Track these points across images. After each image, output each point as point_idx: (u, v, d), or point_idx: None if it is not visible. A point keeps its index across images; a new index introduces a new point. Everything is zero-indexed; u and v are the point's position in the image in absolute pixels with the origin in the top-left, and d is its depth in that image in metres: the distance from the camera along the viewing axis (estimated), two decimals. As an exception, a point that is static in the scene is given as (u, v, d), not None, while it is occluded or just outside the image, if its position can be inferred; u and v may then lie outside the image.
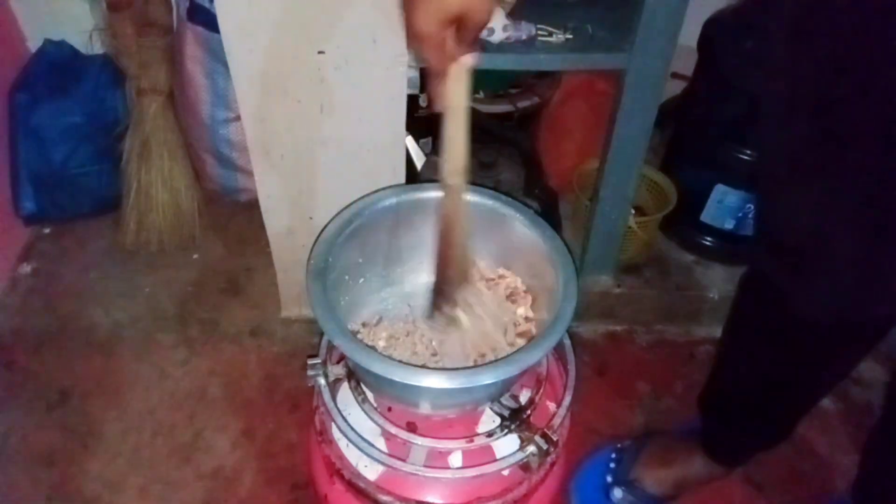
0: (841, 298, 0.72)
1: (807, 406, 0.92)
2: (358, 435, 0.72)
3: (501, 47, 0.99)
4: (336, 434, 0.77)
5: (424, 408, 0.74)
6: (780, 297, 0.76)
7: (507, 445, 0.74)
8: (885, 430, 0.86)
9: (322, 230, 0.76)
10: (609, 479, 1.06)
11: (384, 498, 0.74)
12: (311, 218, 1.14)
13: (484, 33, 0.99)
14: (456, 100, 0.63)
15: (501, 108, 1.51)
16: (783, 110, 0.68)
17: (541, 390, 0.77)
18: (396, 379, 0.62)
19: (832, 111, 0.62)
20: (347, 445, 0.75)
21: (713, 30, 1.27)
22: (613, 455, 1.08)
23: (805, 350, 0.81)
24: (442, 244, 0.72)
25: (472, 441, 0.72)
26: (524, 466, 0.73)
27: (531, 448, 0.71)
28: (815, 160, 0.66)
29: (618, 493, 1.03)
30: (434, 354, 0.78)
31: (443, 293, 0.75)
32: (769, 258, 0.78)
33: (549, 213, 1.41)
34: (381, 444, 0.74)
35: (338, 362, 0.81)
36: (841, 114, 0.62)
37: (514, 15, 1.02)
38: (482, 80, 1.53)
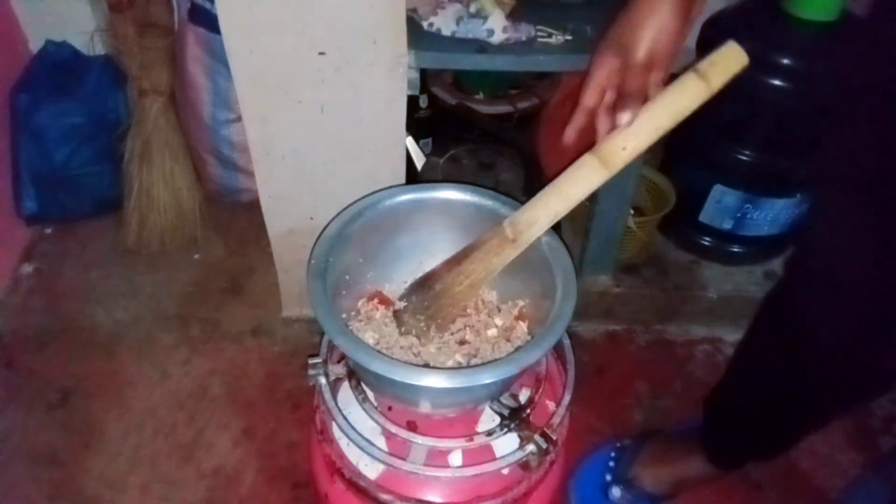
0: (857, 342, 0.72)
1: (814, 428, 0.92)
2: (358, 434, 0.73)
3: (501, 48, 0.99)
4: (337, 433, 0.77)
5: (424, 407, 0.74)
6: (802, 323, 0.77)
7: (507, 444, 0.74)
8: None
9: (323, 230, 0.76)
10: (608, 477, 1.06)
11: (384, 497, 0.74)
12: (311, 218, 1.15)
13: (484, 34, 0.99)
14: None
15: (501, 108, 1.52)
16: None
17: (540, 389, 0.77)
18: (397, 378, 0.62)
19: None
20: (348, 444, 0.75)
21: (713, 30, 1.27)
22: (613, 454, 1.09)
23: (819, 379, 0.80)
24: (456, 261, 0.74)
25: (471, 440, 0.73)
26: (524, 465, 0.73)
27: (531, 447, 0.71)
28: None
29: (616, 491, 1.04)
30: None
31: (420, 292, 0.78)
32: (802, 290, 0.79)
33: (548, 213, 1.41)
34: (381, 442, 0.74)
35: (338, 362, 0.82)
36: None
37: (513, 16, 1.02)
38: (482, 82, 1.53)
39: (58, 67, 1.40)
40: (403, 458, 0.72)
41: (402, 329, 0.78)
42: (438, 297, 0.76)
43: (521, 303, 0.82)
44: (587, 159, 0.68)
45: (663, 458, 1.04)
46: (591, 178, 0.68)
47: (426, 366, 0.74)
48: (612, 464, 1.08)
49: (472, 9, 1.02)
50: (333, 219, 0.78)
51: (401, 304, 0.80)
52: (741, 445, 0.98)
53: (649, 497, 1.04)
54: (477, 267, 0.73)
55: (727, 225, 1.32)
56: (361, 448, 0.72)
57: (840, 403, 0.86)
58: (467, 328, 0.80)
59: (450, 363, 0.75)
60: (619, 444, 1.10)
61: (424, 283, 0.78)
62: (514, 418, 0.73)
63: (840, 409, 0.89)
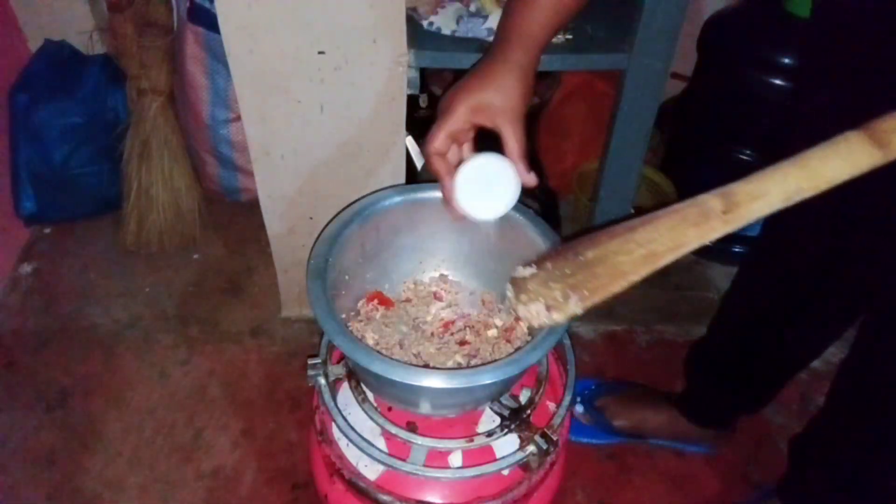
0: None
1: (793, 365, 0.99)
2: (358, 435, 0.72)
3: (501, 47, 0.99)
4: (336, 434, 0.77)
5: (424, 408, 0.74)
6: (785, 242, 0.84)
7: (507, 445, 0.74)
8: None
9: (322, 230, 0.76)
10: (577, 398, 1.17)
11: (384, 498, 0.74)
12: (311, 218, 1.14)
13: (484, 33, 0.99)
14: None
15: (501, 108, 1.51)
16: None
17: (541, 390, 0.77)
18: (396, 379, 0.62)
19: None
20: (348, 445, 0.75)
21: (714, 29, 1.27)
22: (592, 386, 1.21)
23: (798, 299, 0.87)
24: (627, 228, 0.60)
25: (472, 441, 0.72)
26: (524, 466, 0.73)
27: (531, 448, 0.71)
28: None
29: (579, 408, 1.17)
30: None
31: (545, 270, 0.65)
32: None
33: (549, 213, 1.41)
34: (381, 443, 0.74)
35: (338, 362, 0.81)
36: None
37: (514, 15, 1.02)
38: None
39: (57, 67, 1.40)
40: (403, 460, 0.71)
41: (523, 297, 0.65)
42: (590, 265, 0.62)
43: (521, 303, 0.81)
44: (853, 135, 0.52)
45: (632, 400, 1.15)
46: (855, 158, 0.52)
47: (426, 366, 0.74)
48: (586, 391, 1.19)
49: (473, 8, 1.02)
50: (333, 219, 0.77)
51: (525, 271, 0.66)
52: (728, 396, 1.04)
53: (608, 426, 1.14)
54: (661, 236, 0.59)
55: (728, 225, 1.32)
56: (361, 449, 0.71)
57: (811, 330, 0.91)
58: (467, 328, 0.80)
59: (450, 364, 0.75)
60: (599, 381, 1.22)
61: (566, 250, 0.65)
62: (515, 419, 0.73)
63: (811, 338, 0.93)
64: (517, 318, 0.80)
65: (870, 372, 0.79)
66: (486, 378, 0.63)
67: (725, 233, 0.57)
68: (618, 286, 0.61)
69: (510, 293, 0.66)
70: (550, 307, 0.63)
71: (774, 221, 0.91)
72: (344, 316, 0.79)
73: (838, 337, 0.92)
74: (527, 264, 0.67)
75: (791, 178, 0.55)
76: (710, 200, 0.58)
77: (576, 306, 0.62)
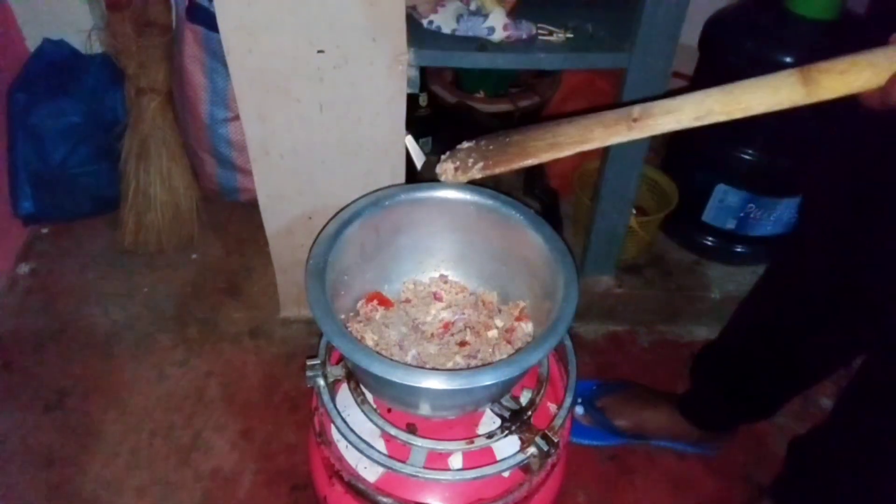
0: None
1: (805, 375, 0.96)
2: (357, 436, 0.72)
3: (502, 46, 0.99)
4: (335, 435, 0.77)
5: (424, 409, 0.73)
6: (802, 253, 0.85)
7: (508, 447, 0.73)
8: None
9: (321, 230, 0.76)
10: (578, 400, 1.15)
11: (384, 500, 0.73)
12: (310, 218, 1.14)
13: (484, 32, 0.99)
14: None
15: (502, 107, 1.51)
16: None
17: (541, 391, 0.76)
18: (396, 380, 0.62)
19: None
20: (347, 447, 0.74)
21: (715, 29, 1.27)
22: (594, 387, 1.19)
23: (810, 310, 0.85)
24: (554, 122, 0.68)
25: (472, 442, 0.72)
26: (525, 468, 0.72)
27: (532, 449, 0.70)
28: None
29: (580, 409, 1.16)
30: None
31: None
32: None
33: (549, 213, 1.40)
34: (380, 445, 0.74)
35: (337, 363, 0.81)
36: None
37: (514, 14, 1.01)
38: (482, 80, 1.53)
39: (55, 66, 1.40)
40: (403, 461, 0.71)
41: (447, 157, 0.77)
42: (508, 145, 0.71)
43: (521, 303, 0.81)
44: (787, 72, 0.54)
45: (633, 401, 1.15)
46: (779, 92, 0.53)
47: (426, 367, 0.73)
48: (587, 392, 1.18)
49: (473, 6, 1.02)
50: (332, 218, 0.77)
51: (464, 144, 0.78)
52: (733, 404, 1.04)
53: (609, 427, 1.13)
54: (572, 130, 0.65)
55: (730, 225, 1.31)
56: (360, 451, 0.71)
57: (823, 346, 0.90)
58: (467, 329, 0.79)
59: (449, 365, 0.74)
60: (600, 382, 1.20)
61: (505, 133, 0.74)
62: (515, 420, 0.72)
63: (823, 353, 0.92)
64: (517, 318, 0.80)
65: (878, 391, 0.79)
66: (487, 379, 0.62)
67: (630, 139, 0.61)
68: (517, 163, 0.71)
69: (444, 156, 0.77)
70: (458, 168, 0.76)
71: (796, 240, 0.91)
72: (343, 316, 0.78)
73: (851, 360, 0.91)
74: (473, 139, 0.77)
75: (708, 101, 0.56)
76: (632, 109, 0.60)
77: (478, 172, 0.74)
